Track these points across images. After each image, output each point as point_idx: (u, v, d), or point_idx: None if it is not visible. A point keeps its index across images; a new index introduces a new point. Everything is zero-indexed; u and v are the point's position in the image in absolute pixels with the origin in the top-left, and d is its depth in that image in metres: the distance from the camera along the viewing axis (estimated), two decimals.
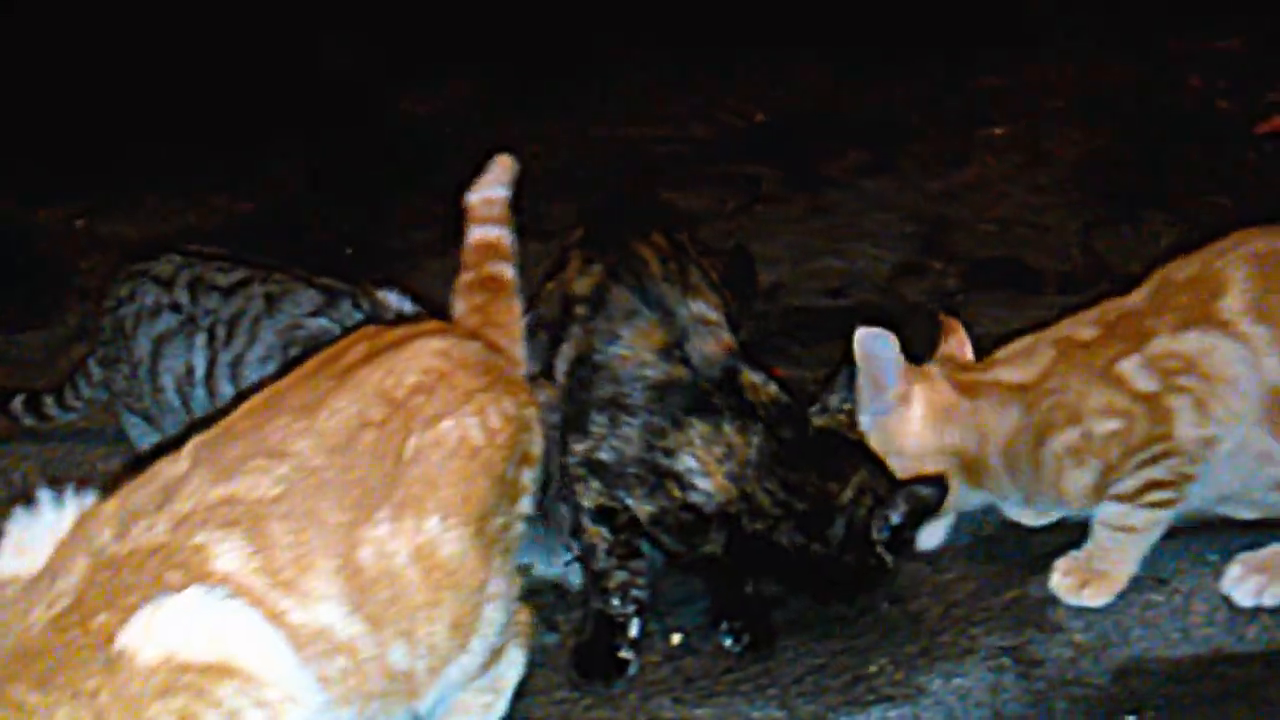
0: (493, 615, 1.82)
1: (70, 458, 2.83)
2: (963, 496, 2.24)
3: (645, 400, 2.11)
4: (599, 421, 2.13)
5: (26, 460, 2.84)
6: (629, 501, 2.14)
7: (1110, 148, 3.93)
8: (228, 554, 1.57)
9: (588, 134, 4.46)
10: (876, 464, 2.10)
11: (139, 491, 1.64)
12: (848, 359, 2.20)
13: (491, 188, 2.15)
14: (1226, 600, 2.11)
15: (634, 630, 2.16)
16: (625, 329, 2.16)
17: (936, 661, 2.08)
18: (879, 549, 2.06)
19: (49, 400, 2.81)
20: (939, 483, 2.08)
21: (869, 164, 3.95)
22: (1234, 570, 2.11)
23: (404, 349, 1.84)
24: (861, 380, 2.19)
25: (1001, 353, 2.26)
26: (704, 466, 2.08)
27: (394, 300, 2.33)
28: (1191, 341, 2.04)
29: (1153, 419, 2.05)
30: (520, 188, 2.17)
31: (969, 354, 2.33)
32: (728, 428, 2.08)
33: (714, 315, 2.19)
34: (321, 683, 1.61)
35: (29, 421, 2.84)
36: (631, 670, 2.13)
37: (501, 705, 1.99)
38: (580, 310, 2.20)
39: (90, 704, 1.42)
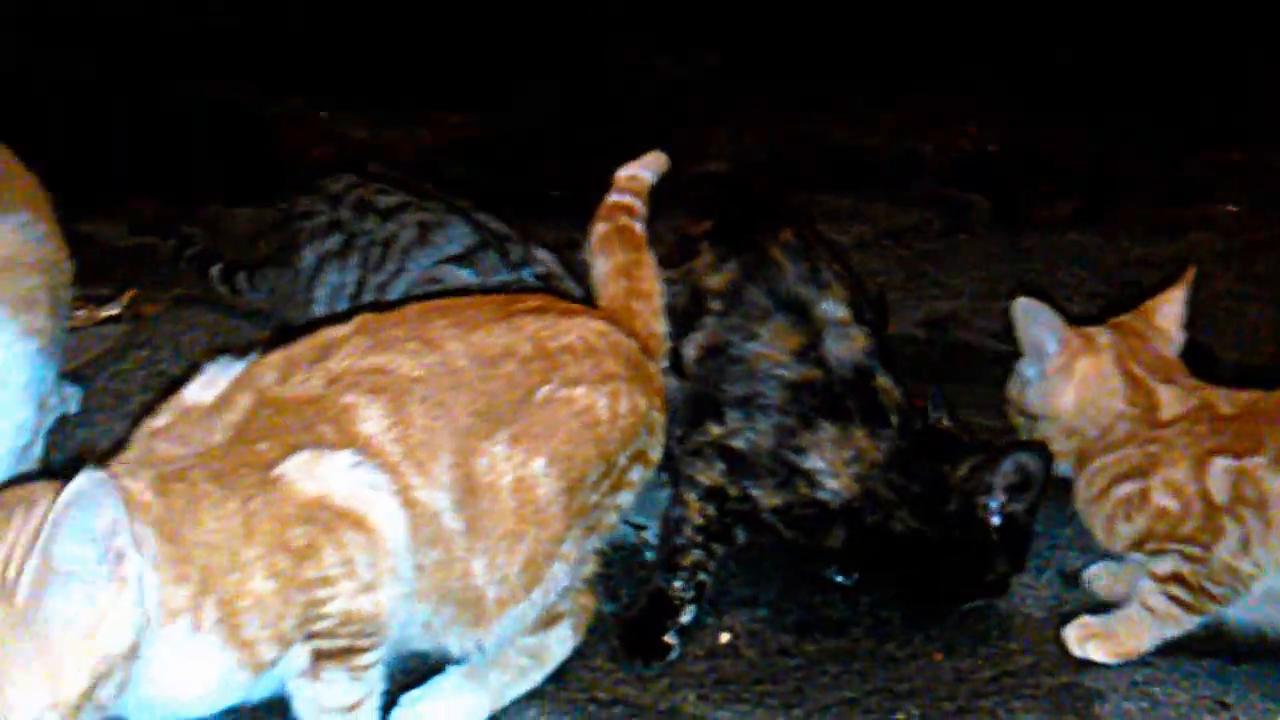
0: (559, 573, 1.91)
1: (240, 332, 2.97)
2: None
3: (779, 400, 2.21)
4: (734, 416, 2.23)
5: (200, 328, 3.01)
6: (755, 491, 2.22)
7: None
8: (372, 419, 1.73)
9: (813, 130, 4.46)
10: (993, 454, 2.17)
11: (302, 345, 1.83)
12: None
13: (640, 169, 2.27)
14: None
15: (687, 616, 2.21)
16: (762, 329, 2.26)
17: None
18: (985, 518, 2.14)
19: (242, 275, 2.94)
20: (1041, 451, 2.16)
21: (1081, 215, 3.84)
22: None
23: (572, 316, 1.98)
24: (1025, 343, 2.29)
25: (1182, 377, 2.26)
26: (832, 467, 2.18)
27: (545, 256, 2.43)
28: (1276, 484, 2.03)
29: (1204, 526, 2.06)
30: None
31: (1174, 317, 2.31)
32: (857, 431, 2.17)
33: (845, 313, 2.27)
34: (417, 570, 1.75)
35: (221, 289, 2.97)
36: (672, 654, 2.17)
37: (538, 675, 2.06)
38: (714, 305, 2.30)
39: (246, 505, 1.63)
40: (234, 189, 3.76)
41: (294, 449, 1.68)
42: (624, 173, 2.26)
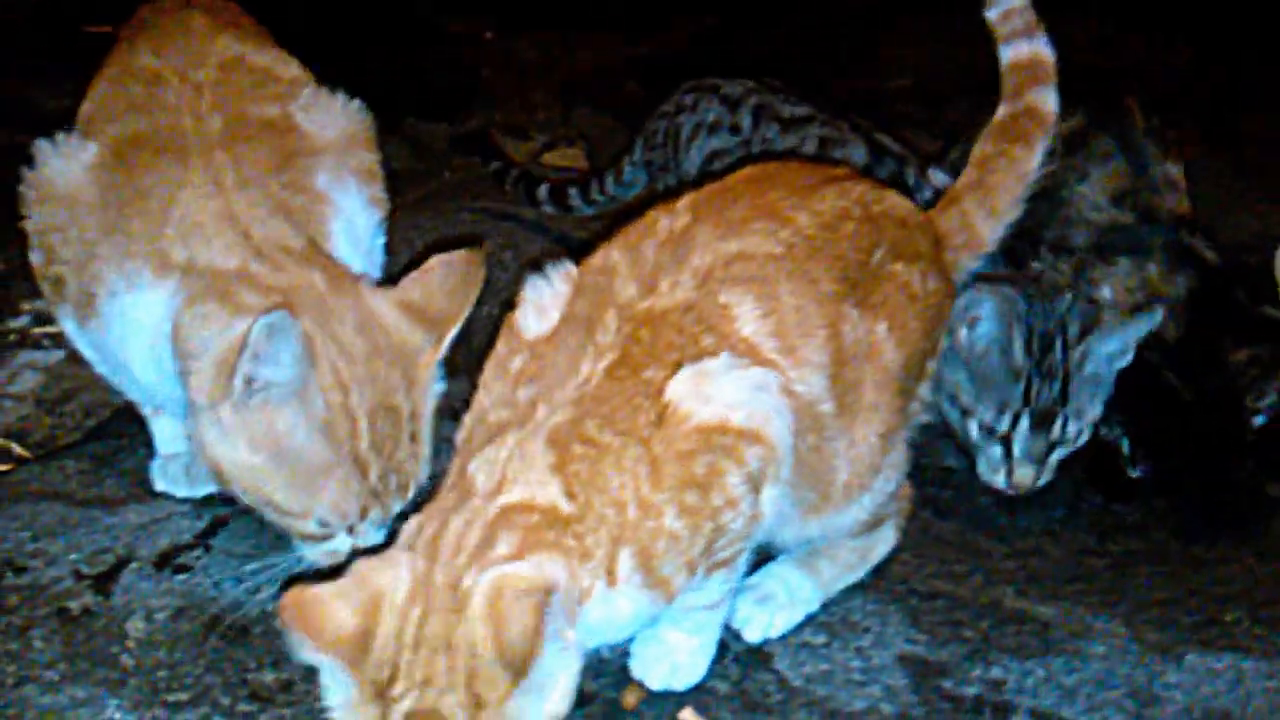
0: (896, 463, 1.84)
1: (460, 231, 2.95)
2: None
3: (1085, 243, 2.29)
4: (1045, 257, 2.30)
5: (419, 230, 2.94)
6: None
7: None
8: (747, 315, 1.64)
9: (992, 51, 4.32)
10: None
11: (645, 245, 1.70)
12: None
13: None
14: None
15: (1125, 448, 2.25)
16: (1096, 170, 2.32)
17: None
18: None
19: (573, 191, 2.98)
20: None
21: None
22: None
23: (885, 189, 1.89)
24: None
25: None
26: (1116, 297, 2.24)
27: (941, 179, 2.34)
28: None
29: None
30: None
31: None
32: (1153, 269, 2.22)
33: (1181, 182, 2.35)
34: (794, 463, 1.68)
35: (549, 207, 3.01)
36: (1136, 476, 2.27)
37: (862, 570, 2.01)
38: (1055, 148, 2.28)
39: (647, 449, 1.54)
40: (422, 105, 3.71)
41: (677, 367, 1.59)
42: (994, 12, 2.00)
